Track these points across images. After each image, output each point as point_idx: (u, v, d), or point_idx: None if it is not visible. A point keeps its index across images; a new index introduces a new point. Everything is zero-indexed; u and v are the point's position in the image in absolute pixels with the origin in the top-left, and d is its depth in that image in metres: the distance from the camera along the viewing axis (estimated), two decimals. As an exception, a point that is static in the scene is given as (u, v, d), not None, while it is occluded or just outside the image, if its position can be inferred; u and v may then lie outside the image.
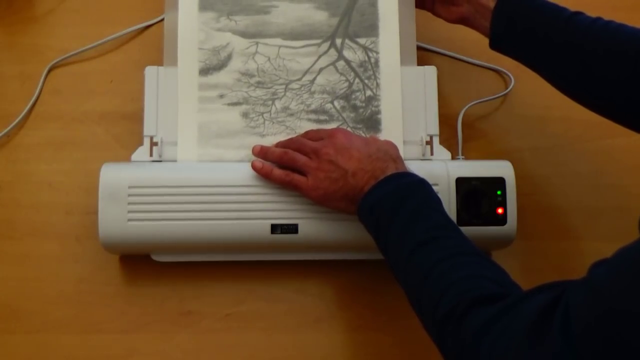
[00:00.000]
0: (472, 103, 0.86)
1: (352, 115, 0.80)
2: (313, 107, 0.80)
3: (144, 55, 0.86)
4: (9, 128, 0.83)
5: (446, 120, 0.84)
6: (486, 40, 0.77)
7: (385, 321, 0.79)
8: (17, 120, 0.83)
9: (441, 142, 0.82)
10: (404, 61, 0.81)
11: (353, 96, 0.80)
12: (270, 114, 0.79)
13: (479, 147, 0.86)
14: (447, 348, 0.58)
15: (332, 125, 0.79)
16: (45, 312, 0.78)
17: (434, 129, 0.81)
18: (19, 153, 0.83)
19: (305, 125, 0.79)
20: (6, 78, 0.86)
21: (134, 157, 0.79)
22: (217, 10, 0.81)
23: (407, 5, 0.82)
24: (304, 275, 0.81)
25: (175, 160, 0.78)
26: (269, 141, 0.79)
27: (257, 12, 0.81)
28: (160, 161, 0.78)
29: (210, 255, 0.78)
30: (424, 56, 0.88)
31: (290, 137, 0.78)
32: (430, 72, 0.82)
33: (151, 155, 0.78)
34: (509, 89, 0.88)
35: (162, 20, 0.83)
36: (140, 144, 0.79)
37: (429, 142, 0.81)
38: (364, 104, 0.80)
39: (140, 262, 0.79)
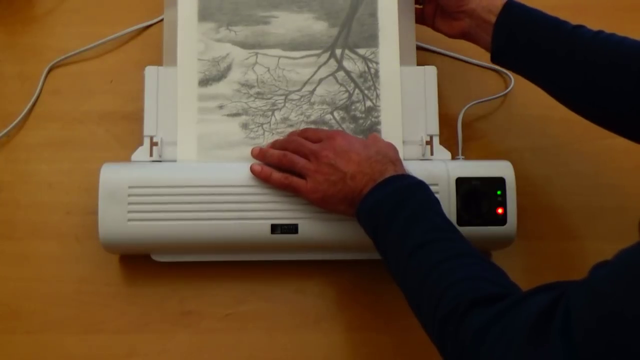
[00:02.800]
0: (472, 103, 0.86)
1: (352, 126, 0.80)
2: (313, 118, 0.80)
3: (144, 55, 0.86)
4: (9, 128, 0.83)
5: (446, 120, 0.84)
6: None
7: (385, 321, 0.79)
8: (17, 120, 0.83)
9: (441, 142, 0.82)
10: (403, 61, 0.81)
11: (353, 107, 0.80)
12: (270, 125, 0.79)
13: (479, 147, 0.86)
14: (447, 349, 0.58)
15: (332, 136, 0.79)
16: (45, 312, 0.78)
17: (434, 129, 0.81)
18: (19, 153, 0.83)
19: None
20: (6, 78, 0.86)
21: (134, 157, 0.78)
22: (216, 21, 0.80)
23: (407, 10, 0.82)
24: (304, 275, 0.80)
25: (175, 160, 0.78)
26: (269, 152, 0.78)
27: (257, 22, 0.81)
28: (160, 161, 0.78)
29: (210, 255, 0.78)
30: (424, 56, 0.88)
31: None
32: (430, 72, 0.82)
33: (151, 155, 0.78)
34: (509, 89, 0.88)
35: (162, 20, 0.83)
36: (140, 144, 0.79)
37: (429, 142, 0.81)
38: (363, 115, 0.80)
39: (140, 262, 0.79)
